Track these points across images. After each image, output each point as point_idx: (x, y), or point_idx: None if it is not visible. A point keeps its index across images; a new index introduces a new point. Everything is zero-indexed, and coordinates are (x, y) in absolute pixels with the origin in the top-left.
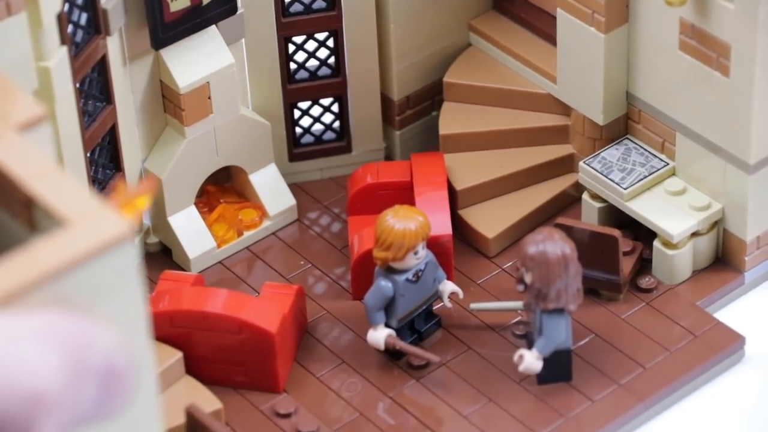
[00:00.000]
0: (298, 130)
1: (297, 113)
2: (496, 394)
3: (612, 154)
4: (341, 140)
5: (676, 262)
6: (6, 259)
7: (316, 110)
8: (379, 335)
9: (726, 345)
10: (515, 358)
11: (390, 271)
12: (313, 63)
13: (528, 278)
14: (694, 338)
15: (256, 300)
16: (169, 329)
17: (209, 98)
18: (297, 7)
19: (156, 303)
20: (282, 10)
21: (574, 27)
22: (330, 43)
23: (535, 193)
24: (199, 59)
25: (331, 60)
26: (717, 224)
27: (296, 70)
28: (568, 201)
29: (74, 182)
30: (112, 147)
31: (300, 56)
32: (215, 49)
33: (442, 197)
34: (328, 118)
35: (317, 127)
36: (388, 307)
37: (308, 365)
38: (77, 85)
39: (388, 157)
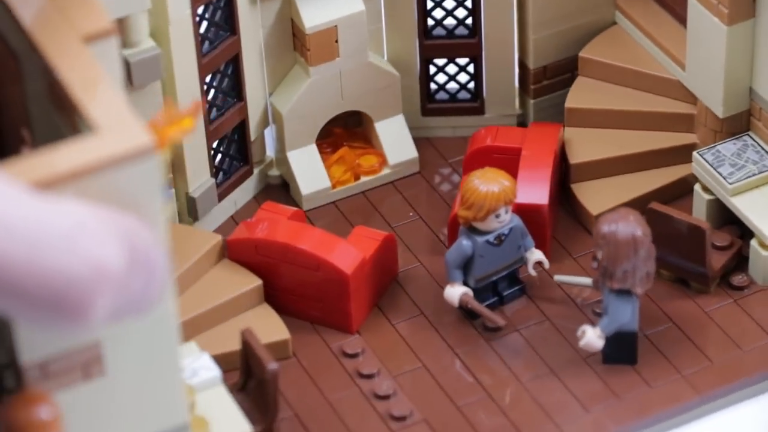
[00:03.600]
0: (433, 86)
1: (432, 69)
2: (559, 367)
3: (728, 148)
4: (475, 101)
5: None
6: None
7: (452, 69)
8: (455, 292)
9: None
10: (578, 332)
11: (472, 230)
12: (450, 21)
13: (599, 255)
14: None
15: (341, 241)
16: (253, 256)
17: (336, 42)
18: None
19: (245, 229)
20: None
21: (701, 16)
22: (468, 3)
23: (651, 177)
24: (330, 2)
25: (469, 21)
26: None
27: (433, 27)
28: (682, 190)
29: (118, 96)
30: (234, 76)
31: (438, 13)
32: None
33: (546, 168)
34: (463, 78)
35: (452, 86)
36: (467, 266)
37: (387, 312)
38: (199, 11)
39: (522, 124)
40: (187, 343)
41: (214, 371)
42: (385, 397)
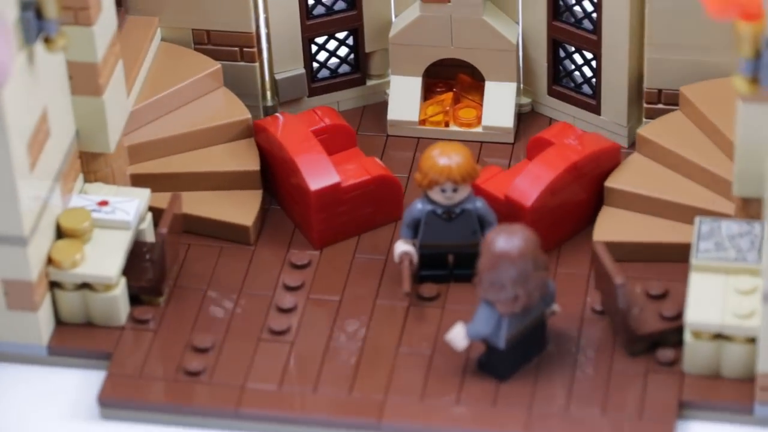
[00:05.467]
0: (561, 69)
1: (562, 53)
2: (441, 354)
3: (731, 227)
4: (593, 99)
5: (692, 350)
6: None
7: (580, 59)
8: (398, 248)
9: None
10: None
11: (426, 196)
12: (578, 10)
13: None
14: (637, 421)
15: (329, 163)
16: (266, 145)
17: None
18: None
19: (272, 120)
20: None
21: None
22: None
23: (676, 229)
24: None
25: (595, 15)
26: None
27: (563, 11)
28: None
29: None
30: None
31: None
32: None
33: (551, 172)
34: (590, 72)
35: (579, 76)
36: (417, 228)
37: (361, 245)
38: None
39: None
40: (143, 189)
41: (129, 217)
42: (284, 311)
